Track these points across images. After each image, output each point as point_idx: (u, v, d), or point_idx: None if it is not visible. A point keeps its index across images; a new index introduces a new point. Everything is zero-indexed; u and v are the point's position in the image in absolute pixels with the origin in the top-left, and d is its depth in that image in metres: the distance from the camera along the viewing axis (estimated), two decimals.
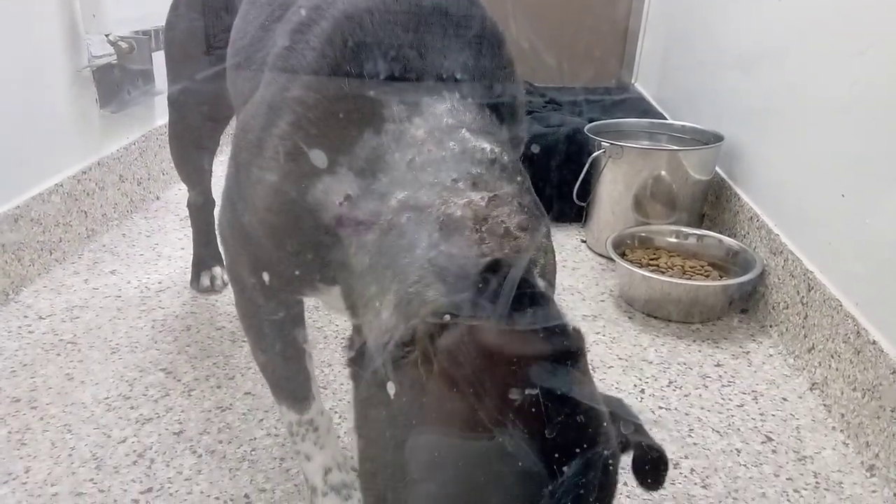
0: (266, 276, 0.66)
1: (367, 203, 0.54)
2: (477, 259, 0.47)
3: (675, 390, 1.13)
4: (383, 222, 0.53)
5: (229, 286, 1.42)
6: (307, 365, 0.79)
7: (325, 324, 1.29)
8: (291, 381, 0.79)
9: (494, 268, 0.43)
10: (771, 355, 1.23)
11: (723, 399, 1.11)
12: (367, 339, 0.52)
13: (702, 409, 1.09)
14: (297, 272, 0.63)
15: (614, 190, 1.55)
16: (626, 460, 0.49)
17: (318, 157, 0.57)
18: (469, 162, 0.54)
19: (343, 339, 1.25)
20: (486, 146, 0.55)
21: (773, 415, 1.08)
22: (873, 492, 0.93)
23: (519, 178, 0.56)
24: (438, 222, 0.50)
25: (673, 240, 1.50)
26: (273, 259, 0.64)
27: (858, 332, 1.01)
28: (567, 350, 0.42)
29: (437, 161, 0.53)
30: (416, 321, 0.46)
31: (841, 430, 1.04)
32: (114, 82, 1.65)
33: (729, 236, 1.46)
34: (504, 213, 0.51)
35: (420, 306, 0.47)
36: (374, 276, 0.52)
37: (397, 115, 0.55)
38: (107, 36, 1.57)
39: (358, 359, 0.55)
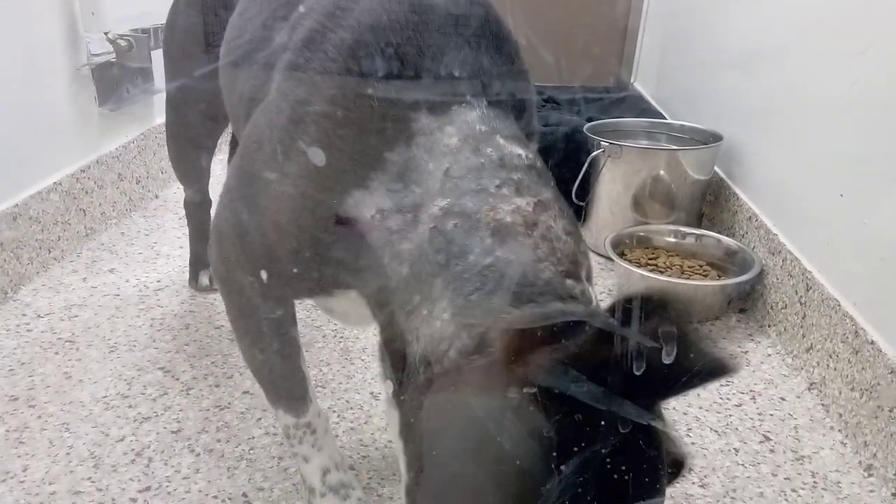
0: (266, 278, 0.66)
1: (401, 213, 0.54)
2: (535, 265, 0.48)
3: None
4: (423, 231, 0.52)
5: None
6: (302, 367, 0.79)
7: (324, 323, 1.29)
8: (288, 385, 0.78)
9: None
10: (769, 355, 1.23)
11: (721, 399, 1.11)
12: (412, 347, 0.52)
13: (700, 408, 1.09)
14: (313, 281, 0.63)
15: (613, 189, 1.55)
16: None
17: (346, 172, 0.56)
18: (509, 168, 0.53)
19: (341, 337, 1.25)
20: (522, 152, 0.55)
21: (772, 414, 1.08)
22: (871, 491, 0.93)
23: (552, 183, 0.56)
24: (489, 228, 0.50)
25: (671, 239, 1.50)
26: (288, 270, 0.63)
27: (857, 332, 1.01)
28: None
29: (477, 168, 0.53)
30: (488, 329, 0.45)
31: (839, 430, 1.04)
32: (113, 80, 1.65)
33: (727, 236, 1.46)
34: (550, 218, 0.51)
35: (487, 314, 0.46)
36: (417, 285, 0.52)
37: (427, 125, 0.55)
38: (106, 34, 1.57)
39: (397, 371, 0.54)
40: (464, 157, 0.53)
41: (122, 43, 1.59)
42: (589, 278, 0.52)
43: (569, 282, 0.48)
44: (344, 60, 0.57)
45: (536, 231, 0.50)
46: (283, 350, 0.76)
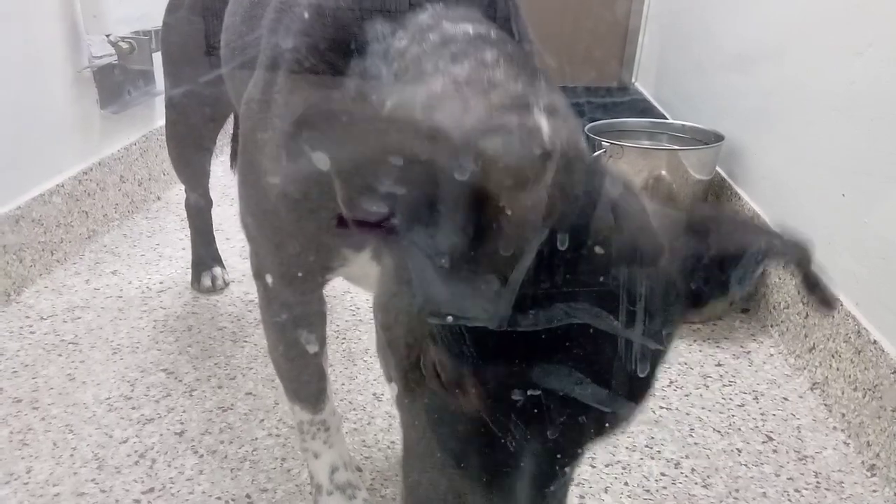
0: (290, 259, 0.65)
1: None
2: (453, 122, 0.46)
3: (675, 390, 1.13)
4: None
5: (230, 287, 1.43)
6: (324, 365, 0.79)
7: (326, 324, 1.29)
8: (307, 382, 0.78)
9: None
10: (772, 355, 1.23)
11: (724, 399, 1.11)
12: None
13: (703, 408, 1.09)
14: (319, 239, 0.62)
15: None
16: None
17: (312, 93, 0.57)
18: (449, 45, 0.52)
19: (344, 339, 1.25)
20: (469, 28, 0.54)
21: (774, 414, 1.08)
22: (874, 491, 0.93)
23: (509, 47, 0.53)
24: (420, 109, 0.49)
25: None
26: (296, 229, 0.63)
27: (859, 332, 1.01)
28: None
29: (418, 57, 0.53)
30: None
31: (842, 430, 1.04)
32: (114, 83, 1.65)
33: None
34: (486, 72, 0.49)
35: None
36: None
37: (381, 33, 0.55)
38: (107, 36, 1.57)
39: None
40: (409, 54, 0.53)
41: (124, 45, 1.59)
42: (544, 108, 0.48)
43: (496, 114, 0.46)
44: None
45: (463, 88, 0.48)
46: (303, 350, 0.75)
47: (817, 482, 0.94)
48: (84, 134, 1.60)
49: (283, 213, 0.62)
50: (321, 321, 0.77)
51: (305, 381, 0.79)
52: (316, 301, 0.75)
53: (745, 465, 0.97)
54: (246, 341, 1.24)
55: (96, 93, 1.60)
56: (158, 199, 1.89)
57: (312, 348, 0.76)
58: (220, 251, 1.46)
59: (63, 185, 1.49)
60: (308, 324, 0.75)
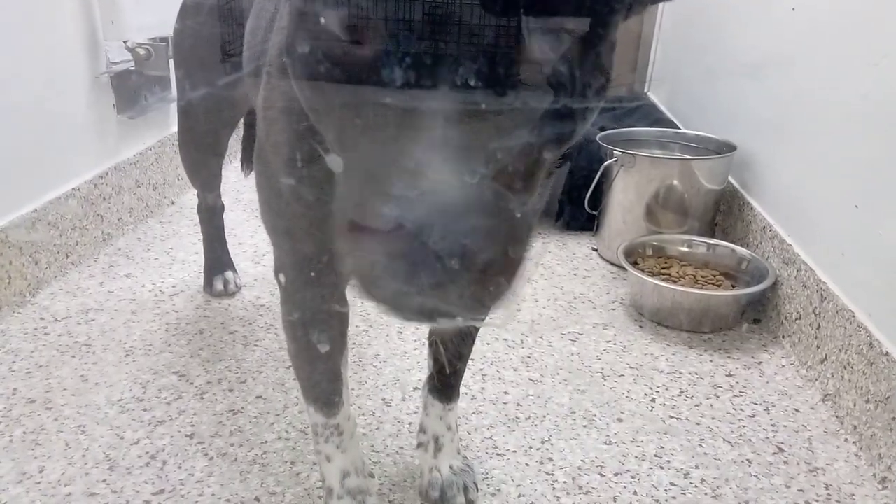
0: (306, 259, 0.65)
1: None
2: None
3: (685, 400, 1.13)
4: None
5: (242, 291, 1.44)
6: (341, 370, 0.79)
7: None
8: (323, 383, 0.78)
9: None
10: (783, 366, 1.23)
11: (734, 409, 1.11)
12: None
13: (713, 419, 1.08)
14: (332, 241, 0.62)
15: (626, 199, 1.55)
16: None
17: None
18: None
19: (354, 344, 1.26)
20: None
21: (785, 426, 1.07)
22: None
23: None
24: None
25: (684, 249, 1.49)
26: (309, 230, 0.63)
27: (871, 344, 1.00)
28: None
29: None
30: None
31: (853, 442, 1.03)
32: (131, 88, 1.67)
33: (741, 246, 1.46)
34: None
35: None
36: None
37: None
38: (125, 43, 1.59)
39: None
40: None
41: (141, 52, 1.62)
42: None
43: None
44: None
45: None
46: (322, 347, 0.75)
47: (828, 494, 0.94)
48: (100, 138, 1.62)
49: (297, 214, 0.63)
50: (340, 323, 0.76)
51: (321, 382, 0.78)
52: (336, 302, 0.75)
53: (756, 476, 0.97)
54: (257, 345, 1.25)
55: (113, 98, 1.62)
56: (172, 203, 1.91)
57: (328, 349, 0.75)
58: (232, 256, 1.47)
59: (79, 189, 1.51)
60: (326, 325, 0.74)
